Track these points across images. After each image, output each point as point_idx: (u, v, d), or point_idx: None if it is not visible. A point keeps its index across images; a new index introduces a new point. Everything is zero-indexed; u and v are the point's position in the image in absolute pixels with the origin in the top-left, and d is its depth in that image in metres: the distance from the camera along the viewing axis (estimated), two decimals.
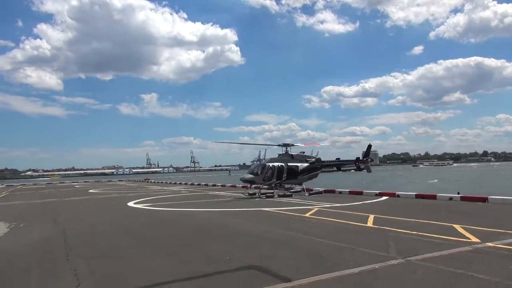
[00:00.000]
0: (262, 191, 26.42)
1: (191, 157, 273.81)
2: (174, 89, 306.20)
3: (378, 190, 24.55)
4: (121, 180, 79.95)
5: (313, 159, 27.10)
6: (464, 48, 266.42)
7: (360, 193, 24.19)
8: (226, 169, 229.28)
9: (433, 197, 20.01)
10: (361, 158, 26.57)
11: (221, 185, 40.17)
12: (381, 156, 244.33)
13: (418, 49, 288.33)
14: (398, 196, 21.63)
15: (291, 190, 27.66)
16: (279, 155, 26.91)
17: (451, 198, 18.99)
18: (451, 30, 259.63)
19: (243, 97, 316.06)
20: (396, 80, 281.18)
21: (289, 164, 25.90)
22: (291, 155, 26.75)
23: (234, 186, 36.74)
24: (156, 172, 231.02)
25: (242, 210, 17.87)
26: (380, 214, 14.24)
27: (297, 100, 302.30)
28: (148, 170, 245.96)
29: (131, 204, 22.60)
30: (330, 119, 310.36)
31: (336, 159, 27.92)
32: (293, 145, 27.69)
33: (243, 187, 33.41)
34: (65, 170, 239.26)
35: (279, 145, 27.54)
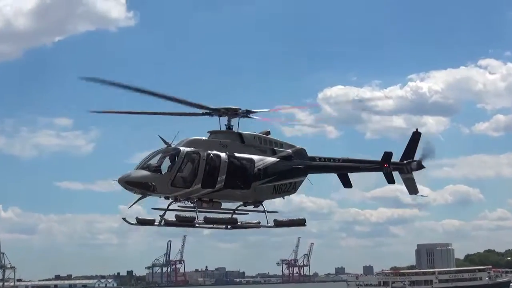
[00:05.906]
0: (170, 213, 19.87)
1: None
2: None
3: None
4: None
5: (289, 151, 21.88)
6: None
7: None
8: (85, 286, 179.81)
9: None
10: (399, 158, 22.77)
11: None
12: (462, 258, 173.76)
13: None
14: None
15: (236, 213, 21.50)
16: (212, 132, 20.97)
17: None
18: None
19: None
20: (490, 76, 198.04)
21: (233, 154, 19.88)
22: (240, 134, 21.01)
23: None
24: None
25: None
26: None
27: None
28: None
29: None
30: None
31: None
32: (247, 115, 21.76)
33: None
34: None
35: (211, 113, 21.12)
